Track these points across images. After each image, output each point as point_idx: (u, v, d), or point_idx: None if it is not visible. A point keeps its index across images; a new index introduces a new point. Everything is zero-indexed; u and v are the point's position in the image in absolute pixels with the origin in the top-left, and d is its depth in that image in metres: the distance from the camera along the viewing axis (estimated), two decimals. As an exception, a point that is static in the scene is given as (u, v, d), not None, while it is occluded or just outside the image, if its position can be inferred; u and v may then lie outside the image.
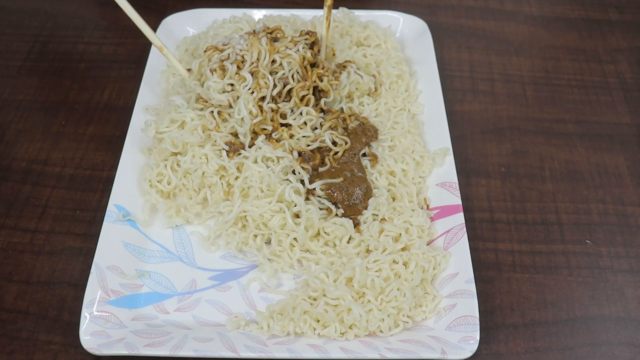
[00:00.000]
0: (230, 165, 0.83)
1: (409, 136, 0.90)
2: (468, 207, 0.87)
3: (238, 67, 0.87)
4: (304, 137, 0.87)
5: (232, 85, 0.87)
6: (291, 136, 0.87)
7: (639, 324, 0.77)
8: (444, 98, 0.95)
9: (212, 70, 0.87)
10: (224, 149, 0.85)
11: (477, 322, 0.70)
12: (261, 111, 0.86)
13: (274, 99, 0.87)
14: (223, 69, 0.87)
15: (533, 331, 0.76)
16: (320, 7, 1.06)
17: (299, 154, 0.85)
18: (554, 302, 0.78)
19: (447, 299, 0.74)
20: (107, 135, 0.96)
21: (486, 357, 0.73)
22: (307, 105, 0.89)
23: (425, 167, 0.87)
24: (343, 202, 0.81)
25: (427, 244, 0.80)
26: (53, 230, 0.84)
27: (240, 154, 0.85)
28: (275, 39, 0.89)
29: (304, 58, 0.88)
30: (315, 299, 0.74)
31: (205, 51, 0.89)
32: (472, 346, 0.69)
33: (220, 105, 0.87)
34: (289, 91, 0.88)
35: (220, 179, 0.84)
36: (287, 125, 0.88)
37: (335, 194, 0.81)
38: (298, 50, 0.88)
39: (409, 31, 1.08)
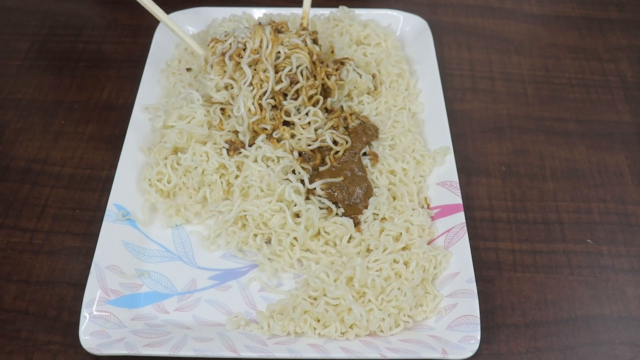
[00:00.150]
0: (231, 164, 0.83)
1: (410, 135, 0.90)
2: (468, 206, 0.87)
3: (239, 56, 0.86)
4: (306, 137, 0.86)
5: (233, 81, 0.86)
6: (292, 136, 0.86)
7: (640, 323, 0.77)
8: (444, 97, 0.95)
9: (211, 66, 0.87)
10: (224, 148, 0.84)
11: (478, 321, 0.70)
12: (260, 109, 0.85)
13: (276, 96, 0.86)
14: (222, 65, 0.87)
15: (534, 331, 0.75)
16: (321, 5, 1.07)
17: (299, 154, 0.84)
18: (555, 302, 0.78)
19: (448, 298, 0.74)
20: (106, 135, 0.96)
21: (487, 356, 0.73)
22: (314, 105, 0.88)
23: (425, 166, 0.87)
24: (343, 201, 0.81)
25: (428, 243, 0.80)
26: (52, 229, 0.84)
27: (240, 152, 0.84)
28: (279, 31, 0.88)
29: (312, 52, 0.88)
30: (315, 299, 0.74)
31: (208, 44, 0.89)
32: (473, 346, 0.69)
33: (222, 103, 0.87)
34: (297, 90, 0.87)
35: (220, 177, 0.84)
36: (289, 124, 0.87)
37: (336, 194, 0.81)
38: (305, 43, 0.87)
39: (409, 30, 1.07)
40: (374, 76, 0.95)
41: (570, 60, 1.10)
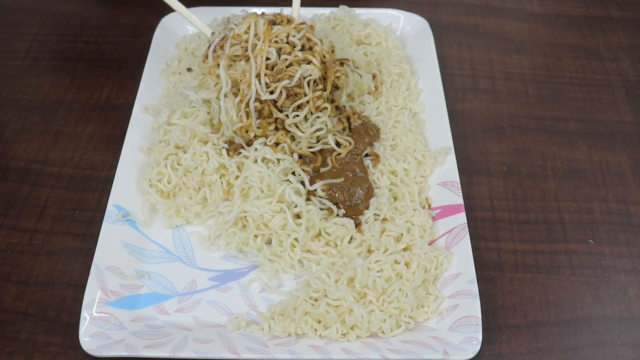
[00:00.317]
0: (231, 164, 0.83)
1: (411, 135, 0.90)
2: (470, 206, 0.87)
3: (222, 48, 0.83)
4: (307, 139, 0.86)
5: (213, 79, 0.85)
6: (292, 138, 0.86)
7: (642, 324, 0.76)
8: (445, 96, 0.95)
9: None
10: (223, 148, 0.84)
11: (480, 322, 0.70)
12: (247, 115, 0.83)
13: (265, 104, 0.82)
14: (206, 61, 0.85)
15: (535, 331, 0.75)
16: (321, 4, 1.06)
17: (300, 156, 0.84)
18: (556, 302, 0.78)
19: (449, 299, 0.74)
20: (106, 135, 0.95)
21: (488, 357, 0.73)
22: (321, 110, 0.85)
23: (426, 167, 0.87)
24: (344, 202, 0.81)
25: (429, 244, 0.80)
26: (52, 230, 0.84)
27: (240, 153, 0.84)
28: (275, 22, 0.83)
29: (324, 54, 0.84)
30: (316, 300, 0.73)
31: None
32: (474, 347, 0.68)
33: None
34: (290, 95, 0.82)
35: (220, 177, 0.83)
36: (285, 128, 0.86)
37: (337, 194, 0.81)
38: (316, 46, 0.83)
39: (409, 29, 1.07)
40: (374, 76, 0.95)
41: (572, 59, 1.10)
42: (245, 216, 0.80)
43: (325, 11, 1.05)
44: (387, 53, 1.00)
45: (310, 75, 0.82)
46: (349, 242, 0.79)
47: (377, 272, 0.75)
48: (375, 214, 0.81)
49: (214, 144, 0.85)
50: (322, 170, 0.84)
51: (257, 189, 0.81)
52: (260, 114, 0.83)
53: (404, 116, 0.91)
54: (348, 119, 0.88)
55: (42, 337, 0.74)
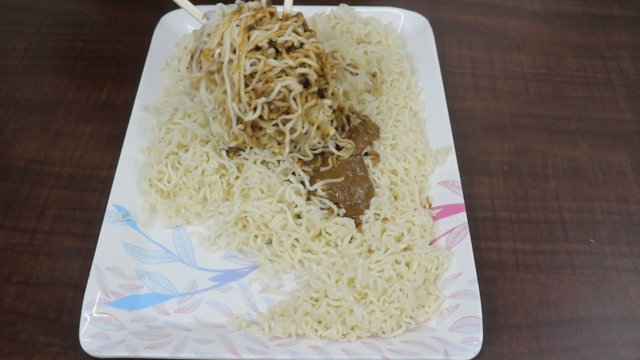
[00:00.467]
0: (231, 165, 0.83)
1: (411, 134, 0.89)
2: (470, 206, 0.86)
3: (199, 63, 0.74)
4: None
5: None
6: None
7: (644, 324, 0.76)
8: (445, 95, 0.94)
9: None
10: (223, 149, 0.84)
11: (481, 322, 0.70)
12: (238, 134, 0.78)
13: (248, 127, 0.77)
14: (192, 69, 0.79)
15: (536, 331, 0.75)
16: (322, 3, 1.06)
17: (300, 157, 0.84)
18: (557, 302, 0.78)
19: (450, 299, 0.74)
20: (106, 134, 0.95)
21: (489, 358, 0.73)
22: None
23: (427, 166, 0.86)
24: (345, 201, 0.81)
25: (430, 244, 0.80)
26: (52, 230, 0.83)
27: (240, 154, 0.84)
28: (253, 26, 0.72)
29: (320, 54, 0.75)
30: (317, 300, 0.73)
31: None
32: (475, 347, 0.68)
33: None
34: (273, 110, 0.74)
35: (220, 177, 0.83)
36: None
37: (337, 194, 0.81)
38: (309, 39, 0.74)
39: (410, 27, 1.07)
40: (374, 75, 0.95)
41: (573, 57, 1.10)
42: (246, 216, 0.80)
43: (326, 10, 1.05)
44: (387, 52, 1.00)
45: (293, 89, 0.73)
46: (350, 242, 0.79)
47: (378, 272, 0.75)
48: (375, 214, 0.81)
49: (214, 145, 0.84)
50: (322, 169, 0.83)
51: (257, 189, 0.80)
52: (253, 128, 0.77)
53: (404, 115, 0.91)
54: (348, 118, 0.88)
55: (43, 338, 0.74)
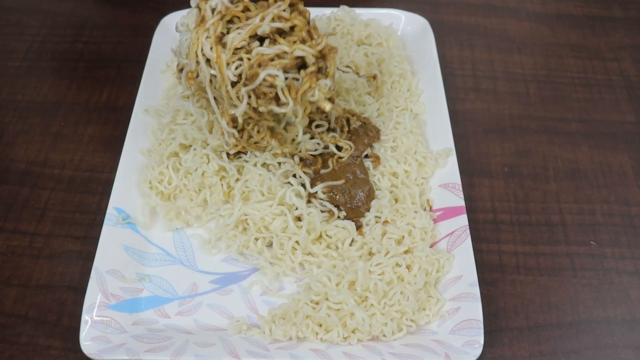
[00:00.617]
0: (231, 167, 0.83)
1: (412, 137, 0.89)
2: (471, 208, 0.86)
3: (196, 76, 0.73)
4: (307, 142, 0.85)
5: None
6: (292, 140, 0.85)
7: (645, 327, 0.76)
8: (446, 97, 0.94)
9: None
10: (224, 151, 0.84)
11: (481, 325, 0.70)
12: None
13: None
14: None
15: (537, 334, 0.75)
16: (323, 5, 1.06)
17: (300, 159, 0.84)
18: (558, 305, 0.78)
19: (451, 302, 0.74)
20: (106, 136, 0.95)
21: (490, 360, 0.73)
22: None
23: (428, 168, 0.86)
24: (345, 204, 0.81)
25: (430, 246, 0.79)
26: (52, 233, 0.83)
27: (240, 157, 0.84)
28: (223, 35, 0.68)
29: (309, 32, 0.70)
30: (317, 303, 0.73)
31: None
32: (476, 350, 0.68)
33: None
34: (259, 96, 0.70)
35: (220, 180, 0.83)
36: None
37: (337, 197, 0.81)
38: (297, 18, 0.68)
39: (410, 29, 1.06)
40: (375, 77, 0.94)
41: (573, 59, 1.10)
42: (246, 219, 0.80)
43: (326, 11, 1.05)
44: (388, 53, 1.00)
45: (278, 78, 0.68)
46: (350, 245, 0.79)
47: (379, 275, 0.74)
48: (376, 217, 0.81)
49: (214, 147, 0.84)
50: (322, 172, 0.83)
51: (258, 192, 0.80)
52: (253, 127, 0.78)
53: (404, 117, 0.91)
54: (348, 120, 0.87)
55: (43, 341, 0.73)
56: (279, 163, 0.83)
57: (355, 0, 1.08)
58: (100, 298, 0.72)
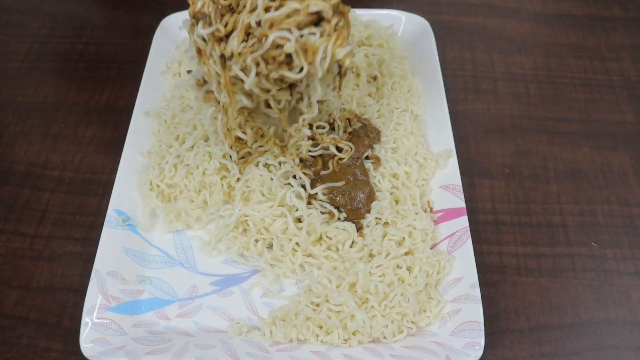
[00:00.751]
0: (233, 166, 0.82)
1: (412, 138, 0.89)
2: (471, 209, 0.86)
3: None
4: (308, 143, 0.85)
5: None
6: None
7: (645, 328, 0.76)
8: (446, 97, 0.94)
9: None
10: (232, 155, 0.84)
11: (482, 327, 0.69)
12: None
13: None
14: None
15: (538, 336, 0.75)
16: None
17: (301, 160, 0.84)
18: (559, 306, 0.78)
19: (452, 303, 0.74)
20: (106, 137, 0.95)
21: (491, 362, 0.73)
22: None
23: (428, 170, 0.86)
24: (345, 206, 0.80)
25: (431, 248, 0.79)
26: (52, 235, 0.83)
27: (246, 160, 0.84)
28: (224, 57, 0.67)
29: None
30: (318, 305, 0.73)
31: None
32: (477, 352, 0.68)
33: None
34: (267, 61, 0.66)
35: (221, 179, 0.83)
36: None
37: (338, 198, 0.80)
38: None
39: (411, 30, 1.06)
40: (375, 77, 0.94)
41: (573, 59, 1.09)
42: (246, 220, 0.80)
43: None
44: (388, 54, 1.00)
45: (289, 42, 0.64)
46: (351, 247, 0.79)
47: (379, 276, 0.74)
48: (376, 218, 0.81)
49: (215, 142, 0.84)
50: (322, 173, 0.83)
51: (258, 192, 0.80)
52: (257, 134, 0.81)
53: (405, 118, 0.91)
54: (348, 121, 0.87)
55: (43, 343, 0.73)
56: (280, 163, 0.83)
57: (355, 1, 1.08)
58: (100, 300, 0.72)
